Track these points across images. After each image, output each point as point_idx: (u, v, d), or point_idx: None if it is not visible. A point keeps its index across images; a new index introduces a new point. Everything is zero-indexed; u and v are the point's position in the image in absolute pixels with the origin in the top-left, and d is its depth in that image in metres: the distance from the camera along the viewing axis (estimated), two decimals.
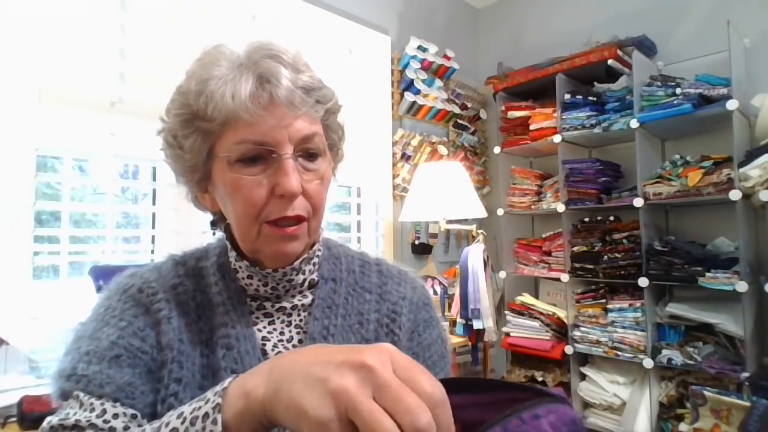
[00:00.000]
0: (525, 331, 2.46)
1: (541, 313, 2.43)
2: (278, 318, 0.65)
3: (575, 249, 2.36)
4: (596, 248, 2.30)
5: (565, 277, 2.36)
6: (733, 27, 1.98)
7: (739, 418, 1.69)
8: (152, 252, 1.80)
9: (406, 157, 2.57)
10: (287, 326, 0.64)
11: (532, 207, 2.60)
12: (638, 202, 2.12)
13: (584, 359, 2.39)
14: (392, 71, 2.56)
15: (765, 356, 2.01)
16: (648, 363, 2.07)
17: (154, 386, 0.56)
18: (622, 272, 2.18)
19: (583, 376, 2.36)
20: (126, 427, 0.51)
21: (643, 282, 2.09)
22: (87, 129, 1.57)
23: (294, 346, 0.63)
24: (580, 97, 2.37)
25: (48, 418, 0.51)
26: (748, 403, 1.69)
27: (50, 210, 1.63)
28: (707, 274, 1.93)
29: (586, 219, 2.36)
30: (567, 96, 2.40)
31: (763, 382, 1.82)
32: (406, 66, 2.56)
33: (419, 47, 2.59)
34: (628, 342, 2.16)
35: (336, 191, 2.39)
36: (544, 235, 2.61)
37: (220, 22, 1.85)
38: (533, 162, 2.87)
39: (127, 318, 0.58)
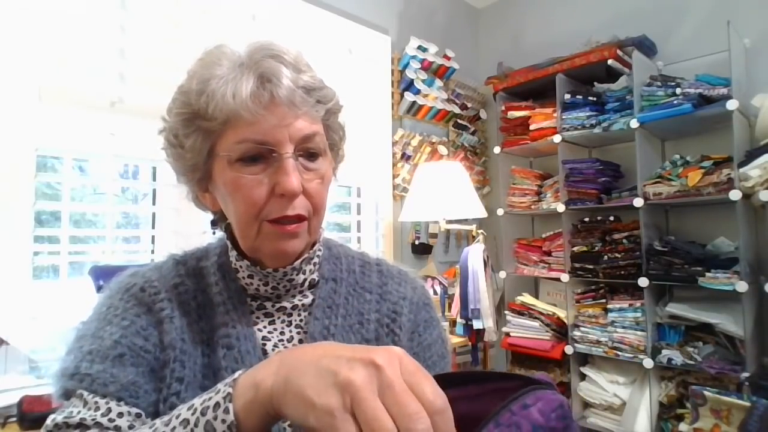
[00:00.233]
0: (525, 331, 2.46)
1: (541, 313, 2.43)
2: (279, 318, 0.65)
3: (575, 249, 2.36)
4: (596, 248, 2.30)
5: (565, 277, 2.36)
6: (733, 27, 1.98)
7: (739, 418, 1.69)
8: (152, 252, 1.80)
9: (406, 157, 2.57)
10: (287, 326, 0.64)
11: (532, 207, 2.60)
12: (638, 202, 2.12)
13: (584, 359, 2.39)
14: (392, 71, 2.56)
15: (765, 356, 2.01)
16: (648, 363, 2.07)
17: (156, 385, 0.56)
18: (622, 272, 2.18)
19: (583, 376, 2.36)
20: (131, 426, 0.51)
21: (643, 282, 2.09)
22: (87, 129, 1.57)
23: (294, 345, 0.63)
24: (580, 97, 2.37)
25: (52, 416, 0.51)
26: (748, 403, 1.68)
27: (50, 210, 1.63)
28: (707, 274, 1.93)
29: (586, 219, 2.36)
30: (567, 96, 2.40)
31: (763, 382, 1.82)
32: (406, 66, 2.56)
33: (419, 47, 2.59)
34: (628, 342, 2.16)
35: (336, 191, 2.39)
36: (544, 235, 2.61)
37: (220, 22, 1.85)
38: (533, 162, 2.87)
39: (130, 317, 0.58)
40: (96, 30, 1.57)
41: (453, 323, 2.16)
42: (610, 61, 2.26)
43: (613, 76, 2.33)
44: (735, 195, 1.87)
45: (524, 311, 2.49)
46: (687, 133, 2.24)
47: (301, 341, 0.63)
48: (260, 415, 0.39)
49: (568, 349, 2.32)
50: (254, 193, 0.57)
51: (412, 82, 2.56)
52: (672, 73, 2.20)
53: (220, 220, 0.68)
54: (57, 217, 1.64)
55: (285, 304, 0.65)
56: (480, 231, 2.26)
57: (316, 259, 0.67)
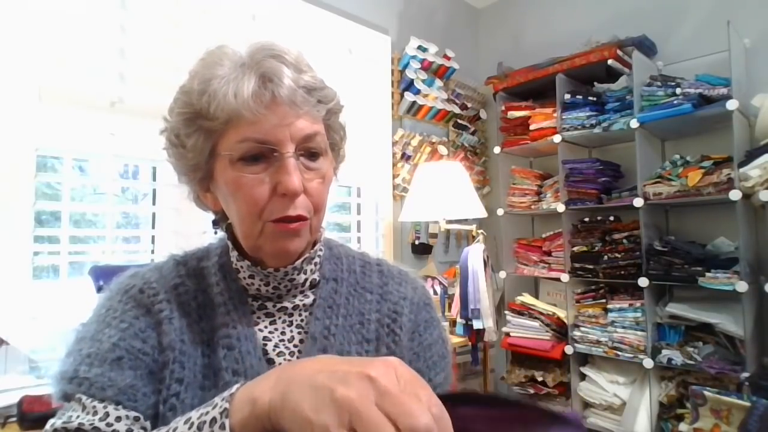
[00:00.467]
0: (525, 331, 2.46)
1: (541, 313, 2.43)
2: (279, 318, 0.65)
3: (575, 249, 2.36)
4: (596, 248, 2.30)
5: (565, 277, 2.36)
6: (733, 27, 1.99)
7: (739, 418, 1.69)
8: (152, 252, 1.80)
9: (406, 157, 2.57)
10: (288, 326, 0.64)
11: (532, 207, 2.60)
12: (638, 202, 2.12)
13: (584, 359, 2.39)
14: (392, 71, 2.56)
15: (765, 356, 2.01)
16: (648, 363, 2.07)
17: (155, 387, 0.56)
18: (622, 272, 2.18)
19: (583, 376, 2.36)
20: (129, 430, 0.51)
21: (643, 282, 2.09)
22: (87, 129, 1.57)
23: (295, 345, 0.63)
24: (580, 97, 2.37)
25: (51, 421, 0.51)
26: (748, 403, 1.69)
27: (50, 210, 1.63)
28: (707, 274, 1.93)
29: (586, 219, 2.36)
30: (567, 96, 2.40)
31: (763, 382, 1.82)
32: (406, 66, 2.56)
33: (419, 47, 2.59)
34: (628, 342, 2.16)
35: (336, 191, 2.39)
36: (544, 235, 2.61)
37: (220, 22, 1.85)
38: (533, 162, 2.87)
39: (128, 319, 0.58)
40: (96, 30, 1.57)
41: (453, 323, 2.16)
42: (610, 61, 2.26)
43: (613, 76, 2.33)
44: (735, 195, 1.87)
45: (524, 311, 2.49)
46: (687, 133, 2.24)
47: (302, 341, 0.63)
48: (257, 430, 0.39)
49: (568, 349, 2.32)
50: (256, 192, 0.57)
51: (412, 82, 2.56)
52: (672, 73, 2.20)
53: (221, 220, 0.68)
54: (57, 217, 1.64)
55: (286, 304, 0.65)
56: (480, 231, 2.25)
57: (317, 259, 0.67)
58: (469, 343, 2.13)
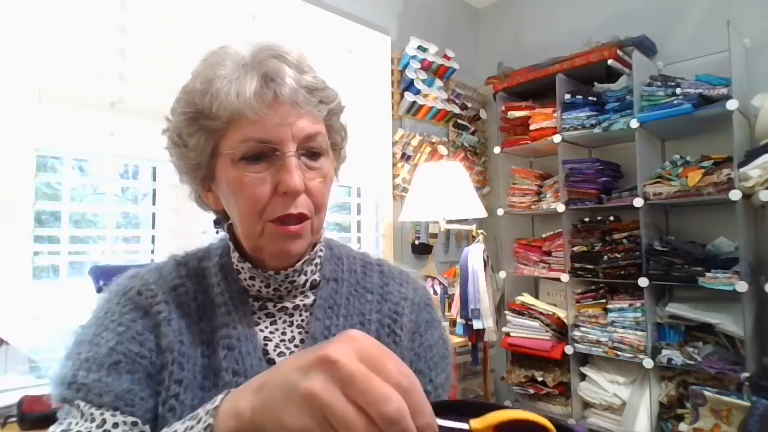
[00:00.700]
0: (525, 331, 2.46)
1: (541, 313, 2.43)
2: (280, 318, 0.65)
3: (575, 249, 2.36)
4: (596, 248, 2.30)
5: (565, 277, 2.36)
6: (733, 27, 1.99)
7: (739, 418, 1.69)
8: (152, 252, 1.80)
9: (406, 157, 2.57)
10: (289, 326, 0.64)
11: (532, 207, 2.60)
12: (638, 202, 2.12)
13: (584, 359, 2.39)
14: (392, 71, 2.56)
15: (765, 356, 2.01)
16: (648, 363, 2.07)
17: (154, 390, 0.56)
18: (622, 272, 2.18)
19: (583, 376, 2.36)
20: None
21: (643, 282, 2.09)
22: (87, 129, 1.57)
23: (296, 346, 0.63)
24: (580, 97, 2.37)
25: (51, 428, 0.52)
26: (748, 403, 1.69)
27: (50, 210, 1.63)
28: (707, 274, 1.93)
29: (586, 219, 2.36)
30: (567, 96, 2.40)
31: (763, 382, 1.82)
32: (406, 66, 2.56)
33: (419, 47, 2.59)
34: (628, 342, 2.16)
35: (336, 191, 2.39)
36: (544, 235, 2.61)
37: (220, 22, 1.85)
38: (533, 162, 2.88)
39: (126, 322, 0.58)
40: (96, 30, 1.57)
41: (453, 323, 2.16)
42: (610, 61, 2.26)
43: (613, 76, 2.33)
44: (735, 195, 1.87)
45: (524, 311, 2.49)
46: (687, 133, 2.24)
47: (302, 341, 0.63)
48: None
49: (568, 349, 2.32)
50: (257, 191, 0.57)
51: (412, 82, 2.56)
52: (672, 73, 2.20)
53: (222, 220, 0.68)
54: (57, 217, 1.64)
55: (287, 304, 0.65)
56: (480, 231, 2.25)
57: (317, 260, 0.67)
58: (469, 343, 2.13)
